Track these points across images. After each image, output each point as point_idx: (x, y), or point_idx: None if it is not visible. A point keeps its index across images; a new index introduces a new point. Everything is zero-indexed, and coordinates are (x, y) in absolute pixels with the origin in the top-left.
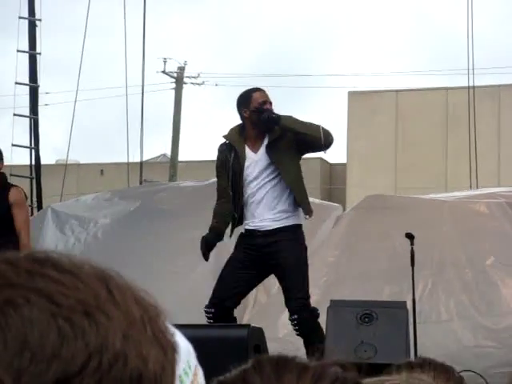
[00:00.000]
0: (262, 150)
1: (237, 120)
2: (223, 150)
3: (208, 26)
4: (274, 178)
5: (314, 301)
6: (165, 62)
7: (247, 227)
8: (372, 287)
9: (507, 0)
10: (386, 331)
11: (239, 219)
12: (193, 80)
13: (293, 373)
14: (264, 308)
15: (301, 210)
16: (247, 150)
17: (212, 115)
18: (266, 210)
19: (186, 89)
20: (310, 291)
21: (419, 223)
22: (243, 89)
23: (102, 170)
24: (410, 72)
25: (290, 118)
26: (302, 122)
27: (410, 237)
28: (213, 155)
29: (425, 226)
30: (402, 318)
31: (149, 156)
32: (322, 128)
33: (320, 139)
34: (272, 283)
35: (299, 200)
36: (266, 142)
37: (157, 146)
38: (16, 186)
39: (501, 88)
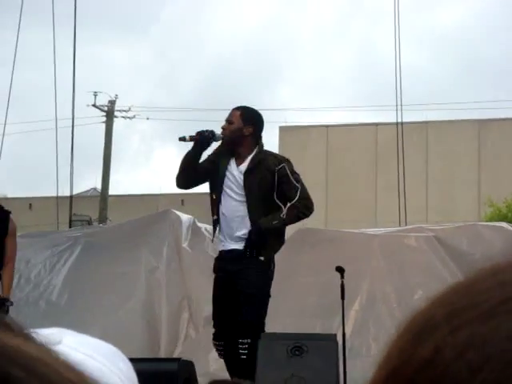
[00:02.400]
0: (243, 168)
1: (168, 154)
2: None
3: (143, 59)
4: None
5: None
6: (95, 95)
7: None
8: (304, 322)
9: (434, 40)
10: (317, 364)
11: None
12: (124, 114)
13: None
14: (194, 342)
15: None
16: (233, 165)
17: (143, 149)
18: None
19: (116, 122)
20: None
21: (350, 257)
22: (175, 123)
23: (30, 204)
24: (340, 107)
25: (268, 223)
26: (276, 219)
27: (340, 270)
28: (143, 189)
29: (355, 259)
30: (332, 350)
31: (79, 190)
32: (299, 213)
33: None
34: (201, 318)
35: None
36: (247, 164)
37: (87, 180)
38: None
39: (428, 124)
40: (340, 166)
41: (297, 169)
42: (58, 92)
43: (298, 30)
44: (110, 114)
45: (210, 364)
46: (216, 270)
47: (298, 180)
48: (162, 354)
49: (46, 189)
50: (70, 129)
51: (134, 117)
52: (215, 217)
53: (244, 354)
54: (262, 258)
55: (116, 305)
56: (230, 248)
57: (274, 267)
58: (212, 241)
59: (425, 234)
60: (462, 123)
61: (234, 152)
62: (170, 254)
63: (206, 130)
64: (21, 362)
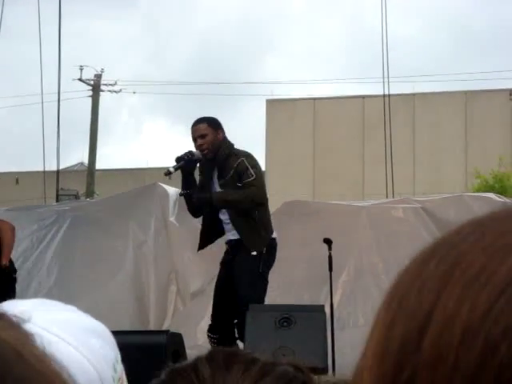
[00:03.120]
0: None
1: (156, 128)
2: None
3: (131, 32)
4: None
5: None
6: (81, 69)
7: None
8: (292, 294)
9: (422, 11)
10: (305, 335)
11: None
12: (110, 87)
13: (241, 364)
14: (183, 315)
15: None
16: (215, 179)
17: (131, 123)
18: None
19: (104, 97)
20: None
21: (337, 229)
22: (163, 96)
23: (17, 179)
24: (327, 80)
25: (220, 198)
26: (231, 200)
27: (327, 242)
28: (131, 163)
29: (343, 231)
30: (320, 321)
31: (65, 164)
32: (249, 196)
33: (247, 205)
34: (188, 292)
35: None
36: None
37: (74, 155)
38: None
39: (415, 96)
40: (327, 139)
41: (285, 142)
42: (44, 66)
43: (288, 2)
44: (96, 88)
45: (198, 337)
46: (221, 262)
47: (256, 173)
48: (151, 327)
49: (32, 163)
50: (57, 103)
51: (120, 91)
52: (203, 235)
53: (236, 333)
54: (254, 253)
55: (104, 278)
56: (228, 238)
57: (271, 253)
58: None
59: (412, 205)
60: (449, 95)
61: (217, 164)
62: (157, 228)
63: (184, 154)
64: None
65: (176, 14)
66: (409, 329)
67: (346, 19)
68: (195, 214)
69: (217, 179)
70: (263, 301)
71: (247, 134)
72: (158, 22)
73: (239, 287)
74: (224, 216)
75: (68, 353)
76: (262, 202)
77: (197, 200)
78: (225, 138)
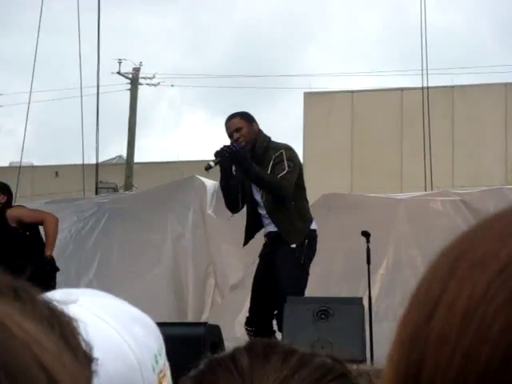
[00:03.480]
0: None
1: (194, 120)
2: None
3: (170, 25)
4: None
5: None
6: (120, 62)
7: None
8: (330, 287)
9: (462, 2)
10: (343, 327)
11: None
12: (148, 81)
13: (280, 354)
14: (221, 308)
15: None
16: None
17: (169, 116)
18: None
19: (144, 90)
20: None
21: (375, 222)
22: (200, 90)
23: (56, 172)
24: (365, 72)
25: (256, 169)
26: (263, 177)
27: (365, 235)
28: (168, 157)
29: (381, 224)
30: (358, 314)
31: (104, 158)
32: (277, 185)
33: (273, 192)
34: (226, 284)
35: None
36: None
37: (112, 148)
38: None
39: (454, 89)
40: (365, 132)
41: (322, 135)
42: (83, 60)
43: None
44: (134, 82)
45: (237, 329)
46: (260, 255)
47: (290, 166)
48: (189, 319)
49: (72, 157)
50: (96, 97)
51: (158, 84)
52: (248, 228)
53: (275, 325)
54: (293, 246)
55: (143, 271)
56: (267, 231)
57: (311, 244)
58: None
59: (451, 198)
60: (488, 87)
61: (252, 156)
62: (195, 221)
63: (223, 148)
64: None
65: (215, 8)
66: (418, 316)
67: (385, 11)
68: (232, 207)
69: None
70: (303, 293)
71: (285, 127)
72: (196, 16)
73: (280, 280)
74: (262, 210)
75: (108, 334)
76: (287, 196)
77: (236, 155)
78: (260, 130)
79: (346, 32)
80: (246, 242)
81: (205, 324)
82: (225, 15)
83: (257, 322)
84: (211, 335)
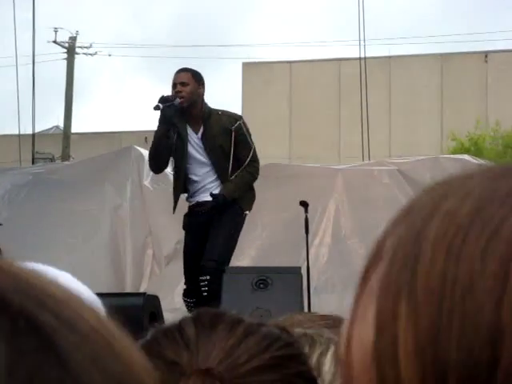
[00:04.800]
0: (200, 133)
1: (133, 91)
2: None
3: None
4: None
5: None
6: (56, 31)
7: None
8: (269, 257)
9: None
10: (281, 297)
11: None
12: (85, 50)
13: (226, 324)
14: (159, 279)
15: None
16: (189, 131)
17: (108, 87)
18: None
19: (79, 59)
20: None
21: (313, 192)
22: (136, 59)
23: None
24: (303, 43)
25: (231, 191)
26: (236, 189)
27: (304, 205)
28: (107, 127)
29: (319, 194)
30: (296, 283)
31: (41, 128)
32: (254, 179)
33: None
34: (162, 256)
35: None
36: (202, 129)
37: (49, 118)
38: None
39: (391, 59)
40: (303, 102)
41: (261, 104)
42: (18, 28)
43: None
44: (71, 51)
45: (176, 300)
46: (187, 226)
47: (252, 141)
48: (128, 290)
49: (8, 127)
50: (31, 66)
51: (95, 53)
52: (180, 193)
53: (205, 292)
54: (246, 213)
55: (80, 242)
56: (203, 200)
57: (245, 216)
58: (173, 212)
59: (388, 167)
60: (424, 57)
61: (187, 117)
62: (133, 191)
63: (171, 95)
64: (49, 306)
65: None
66: (400, 277)
67: None
68: (159, 166)
69: (195, 133)
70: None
71: (224, 96)
72: None
73: (217, 244)
74: (206, 171)
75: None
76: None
77: (215, 201)
78: (203, 97)
79: (285, 2)
80: (175, 207)
81: (144, 294)
82: None
83: (196, 293)
84: (150, 305)
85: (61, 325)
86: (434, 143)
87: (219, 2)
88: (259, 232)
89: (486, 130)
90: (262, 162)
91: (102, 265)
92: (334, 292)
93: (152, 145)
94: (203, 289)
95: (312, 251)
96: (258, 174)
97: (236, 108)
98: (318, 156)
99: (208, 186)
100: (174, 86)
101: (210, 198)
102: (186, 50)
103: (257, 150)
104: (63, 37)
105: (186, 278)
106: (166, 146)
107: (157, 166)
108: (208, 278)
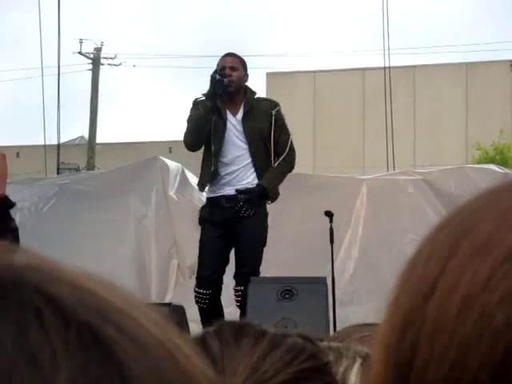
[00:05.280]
0: (240, 116)
1: (157, 102)
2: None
3: (135, 4)
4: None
5: None
6: (81, 42)
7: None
8: (295, 268)
9: None
10: (307, 307)
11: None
12: (110, 61)
13: (251, 337)
14: (184, 289)
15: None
16: (229, 114)
17: (131, 97)
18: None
19: (102, 70)
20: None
21: (338, 201)
22: (161, 70)
23: (17, 153)
24: (327, 52)
25: (269, 182)
26: (277, 178)
27: (329, 215)
28: (131, 137)
29: (344, 204)
30: (322, 293)
31: (66, 138)
32: (292, 167)
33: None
34: (190, 265)
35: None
36: (242, 110)
37: (74, 128)
38: None
39: (416, 68)
40: (327, 112)
41: (284, 114)
42: (44, 39)
43: None
44: (96, 62)
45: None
46: (209, 216)
47: (288, 128)
48: (153, 301)
49: (33, 137)
50: (57, 77)
51: (120, 64)
52: (213, 168)
53: (238, 302)
54: (269, 202)
55: (105, 252)
56: (231, 194)
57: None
58: (202, 190)
59: (413, 177)
60: (449, 67)
61: (227, 100)
62: (158, 202)
63: (221, 72)
64: (110, 316)
65: None
66: (414, 297)
67: None
68: (196, 143)
69: (233, 116)
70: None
71: None
72: None
73: (249, 258)
74: (240, 155)
75: None
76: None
77: (255, 192)
78: (246, 84)
79: (310, 13)
80: (204, 187)
81: (169, 305)
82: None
83: (215, 285)
84: (175, 316)
85: (122, 336)
86: (459, 152)
87: (244, 13)
88: (285, 243)
89: (511, 139)
90: None
91: (127, 275)
92: (360, 304)
93: (192, 120)
94: (236, 299)
95: (337, 262)
96: (294, 164)
97: None
98: (343, 166)
99: (240, 172)
100: (223, 69)
101: (237, 192)
102: (210, 60)
103: None
104: (88, 48)
105: (203, 267)
106: (209, 122)
107: (196, 141)
108: (242, 288)
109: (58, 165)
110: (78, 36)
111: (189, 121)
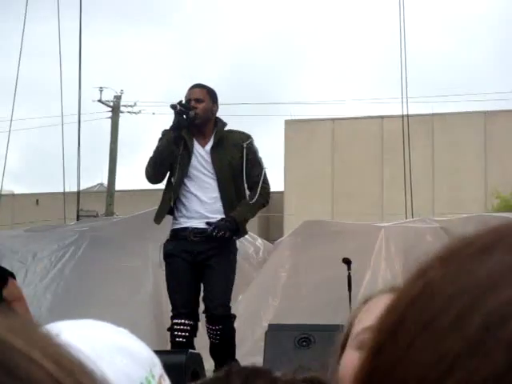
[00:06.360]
0: (208, 147)
1: None
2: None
3: (156, 52)
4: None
5: (263, 327)
6: (101, 90)
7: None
8: (313, 315)
9: (439, 31)
10: (324, 355)
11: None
12: (129, 109)
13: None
14: (201, 335)
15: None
16: (196, 144)
17: (149, 144)
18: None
19: (122, 117)
20: (261, 316)
21: (356, 249)
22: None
23: (37, 200)
24: (345, 100)
25: (240, 215)
26: (249, 211)
27: (347, 262)
28: (149, 184)
29: (362, 251)
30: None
31: (85, 185)
32: (265, 202)
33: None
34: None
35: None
36: (211, 141)
37: (93, 176)
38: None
39: (434, 117)
40: (346, 159)
41: (303, 162)
42: (64, 87)
43: (308, 27)
44: (115, 110)
45: None
46: (173, 250)
47: (262, 161)
48: (170, 347)
49: (53, 185)
50: (77, 124)
51: (139, 112)
52: (172, 202)
53: (216, 339)
54: (235, 237)
55: (124, 299)
56: (200, 227)
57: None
58: (159, 223)
59: (431, 225)
60: (467, 115)
61: (195, 132)
62: None
63: (185, 103)
64: (2, 362)
65: (208, 32)
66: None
67: (366, 39)
68: (159, 176)
69: (202, 147)
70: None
71: (266, 153)
72: (188, 39)
73: (218, 293)
74: (206, 187)
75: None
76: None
77: (226, 226)
78: (216, 115)
79: (326, 60)
80: (161, 220)
81: (186, 352)
82: (218, 40)
83: (195, 315)
84: (192, 363)
85: (11, 380)
86: (479, 201)
87: (264, 61)
88: (304, 291)
89: None
90: (304, 219)
91: (144, 322)
92: None
93: (156, 151)
94: (215, 337)
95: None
96: (269, 199)
97: (277, 166)
98: (361, 213)
99: (207, 205)
100: (189, 101)
101: (207, 225)
102: (230, 108)
103: (300, 206)
104: (108, 95)
105: (179, 304)
106: (172, 154)
107: (158, 173)
108: (221, 327)
109: (78, 212)
110: (98, 84)
111: (154, 152)
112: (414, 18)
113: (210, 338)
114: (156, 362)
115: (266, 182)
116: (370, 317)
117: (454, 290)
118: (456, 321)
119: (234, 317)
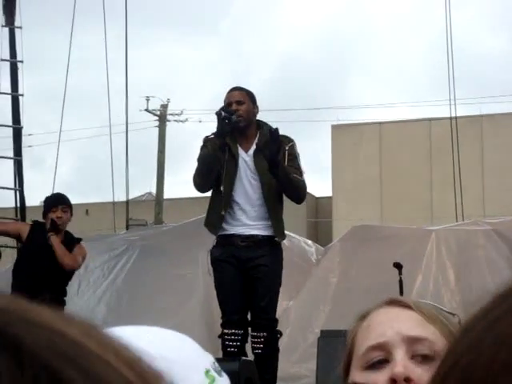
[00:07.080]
0: (251, 151)
1: None
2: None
3: (203, 61)
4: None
5: (315, 333)
6: (147, 100)
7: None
8: None
9: (486, 32)
10: None
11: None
12: (176, 117)
13: None
14: None
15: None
16: (241, 151)
17: (195, 152)
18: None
19: (169, 126)
20: (312, 322)
21: (407, 253)
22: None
23: (87, 210)
24: (393, 104)
25: (286, 168)
26: (292, 173)
27: (398, 267)
28: (197, 192)
29: (412, 255)
30: None
31: (134, 195)
32: (304, 187)
33: (294, 196)
34: None
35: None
36: (254, 146)
37: (141, 185)
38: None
39: (483, 118)
40: (394, 163)
41: (351, 166)
42: (111, 97)
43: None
44: (162, 119)
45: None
46: (222, 255)
47: (302, 166)
48: (222, 355)
49: (102, 195)
50: (124, 134)
51: (186, 120)
52: (223, 211)
53: (259, 349)
54: (277, 239)
55: (176, 307)
56: (248, 233)
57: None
58: (216, 233)
59: (483, 227)
60: None
61: (238, 136)
62: None
63: (228, 108)
64: (80, 361)
65: (254, 39)
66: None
67: (413, 42)
68: (206, 184)
69: (245, 151)
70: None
71: (313, 159)
72: (235, 47)
73: (267, 301)
74: (252, 193)
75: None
76: (303, 199)
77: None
78: (256, 117)
79: (372, 65)
80: (217, 231)
81: (239, 359)
82: (267, 47)
83: (246, 323)
84: (246, 371)
85: (86, 380)
86: None
87: (310, 67)
88: (355, 296)
89: None
90: (353, 224)
91: (196, 329)
92: None
93: (202, 160)
94: (257, 346)
95: None
96: (304, 196)
97: (325, 171)
98: (410, 216)
99: (253, 211)
100: (229, 104)
101: (256, 232)
102: (278, 114)
103: (348, 211)
104: (155, 104)
105: (229, 310)
106: (219, 162)
107: (207, 182)
108: (265, 334)
109: (127, 221)
110: (145, 93)
111: (198, 160)
112: (460, 18)
113: (253, 349)
114: (212, 359)
115: (305, 184)
116: (372, 334)
117: None
118: None
119: (276, 321)
